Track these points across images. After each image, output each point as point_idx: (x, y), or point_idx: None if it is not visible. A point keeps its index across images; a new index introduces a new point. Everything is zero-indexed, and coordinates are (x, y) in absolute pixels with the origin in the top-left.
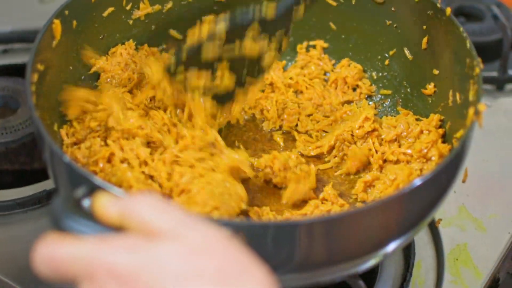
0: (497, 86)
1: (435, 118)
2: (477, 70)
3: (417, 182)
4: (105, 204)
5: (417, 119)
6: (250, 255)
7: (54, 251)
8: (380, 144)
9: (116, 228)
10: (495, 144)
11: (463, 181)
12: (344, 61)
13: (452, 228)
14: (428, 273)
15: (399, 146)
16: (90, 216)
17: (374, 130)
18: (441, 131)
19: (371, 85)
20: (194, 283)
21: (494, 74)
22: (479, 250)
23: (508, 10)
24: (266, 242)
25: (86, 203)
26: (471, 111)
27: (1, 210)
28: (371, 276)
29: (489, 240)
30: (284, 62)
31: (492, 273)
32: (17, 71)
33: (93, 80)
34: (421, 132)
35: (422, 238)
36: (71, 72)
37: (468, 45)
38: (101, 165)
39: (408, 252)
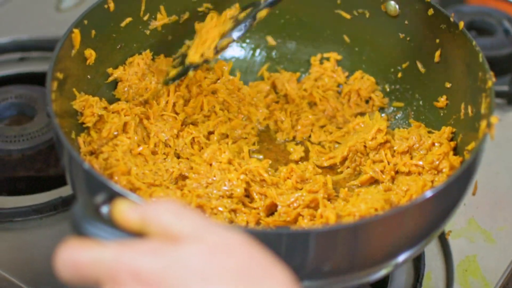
0: (508, 100)
1: (446, 130)
2: (490, 83)
3: (429, 193)
4: (124, 211)
5: (429, 132)
6: (270, 256)
7: (76, 256)
8: (392, 156)
9: (136, 234)
10: (505, 157)
11: (473, 194)
12: (357, 74)
13: (461, 239)
14: (437, 284)
15: (411, 158)
16: (109, 222)
17: (386, 141)
18: (452, 143)
19: (383, 97)
20: (217, 281)
21: (505, 88)
22: (488, 262)
23: None
24: (279, 250)
25: (105, 209)
26: (483, 123)
27: (17, 216)
28: (381, 286)
29: (498, 252)
30: (298, 74)
31: (501, 284)
32: (34, 79)
33: (110, 89)
34: (433, 144)
35: (432, 250)
36: (89, 81)
37: (480, 58)
38: (116, 178)
39: (418, 263)
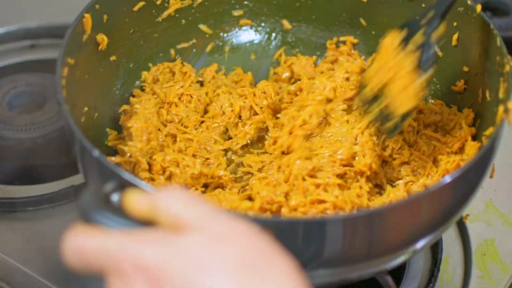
0: None
1: (470, 114)
2: (507, 67)
3: (447, 179)
4: (135, 199)
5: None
6: (275, 246)
7: (82, 242)
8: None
9: (145, 223)
10: None
11: (491, 177)
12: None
13: (479, 223)
14: (455, 268)
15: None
16: (118, 211)
17: (420, 111)
18: (473, 129)
19: None
20: (219, 270)
21: None
22: (506, 246)
23: None
24: (295, 238)
25: (115, 197)
26: (500, 108)
27: (29, 206)
28: (398, 271)
29: None
30: (314, 57)
31: None
32: (44, 66)
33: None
34: (454, 127)
35: (449, 234)
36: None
37: (498, 42)
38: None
39: (435, 248)
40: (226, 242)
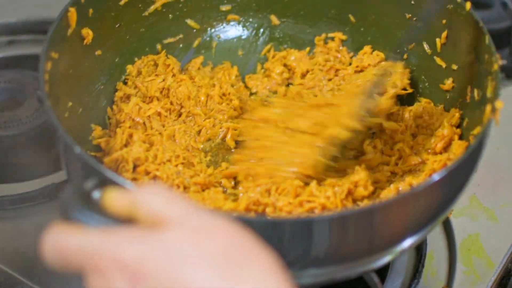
0: (507, 74)
1: (456, 115)
2: (496, 66)
3: (435, 178)
4: (115, 196)
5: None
6: (256, 241)
7: (61, 241)
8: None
9: (124, 221)
10: (506, 132)
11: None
12: (367, 48)
13: (463, 218)
14: (440, 264)
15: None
16: (99, 208)
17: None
18: (458, 130)
19: None
20: (200, 264)
21: (504, 62)
22: (491, 240)
23: None
24: (280, 238)
25: (95, 195)
26: (488, 108)
27: (9, 204)
28: (383, 268)
29: (501, 230)
30: (308, 49)
31: (504, 263)
32: (23, 62)
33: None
34: (438, 127)
35: (434, 229)
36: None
37: (487, 40)
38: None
39: (420, 243)
40: (207, 235)
